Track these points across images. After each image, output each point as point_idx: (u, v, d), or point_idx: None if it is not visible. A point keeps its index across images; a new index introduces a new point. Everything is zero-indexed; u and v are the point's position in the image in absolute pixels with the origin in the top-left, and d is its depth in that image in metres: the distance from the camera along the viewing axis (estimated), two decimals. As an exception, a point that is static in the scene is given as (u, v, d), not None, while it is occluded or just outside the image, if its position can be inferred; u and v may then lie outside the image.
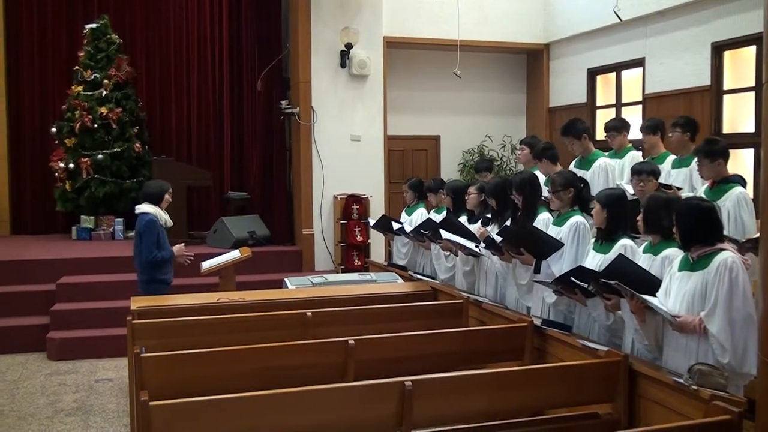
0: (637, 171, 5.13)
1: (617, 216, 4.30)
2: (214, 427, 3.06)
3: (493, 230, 5.44)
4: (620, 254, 4.03)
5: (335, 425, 3.27)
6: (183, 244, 6.29)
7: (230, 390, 3.21)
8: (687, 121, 5.86)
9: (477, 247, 5.50)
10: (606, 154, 6.19)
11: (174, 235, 6.80)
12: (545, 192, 5.43)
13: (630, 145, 6.30)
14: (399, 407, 3.27)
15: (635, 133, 6.66)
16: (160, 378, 3.67)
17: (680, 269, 3.69)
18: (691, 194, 5.03)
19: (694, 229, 3.61)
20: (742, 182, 5.01)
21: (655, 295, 3.69)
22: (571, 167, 6.17)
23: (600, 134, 9.03)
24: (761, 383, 2.79)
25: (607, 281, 3.77)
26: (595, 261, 4.33)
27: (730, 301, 3.45)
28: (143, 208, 6.00)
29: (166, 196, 6.10)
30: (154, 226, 5.89)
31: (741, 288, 3.47)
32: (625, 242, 4.26)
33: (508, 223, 5.32)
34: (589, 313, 4.36)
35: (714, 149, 4.95)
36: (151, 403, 2.98)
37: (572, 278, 4.10)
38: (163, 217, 6.02)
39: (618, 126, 6.28)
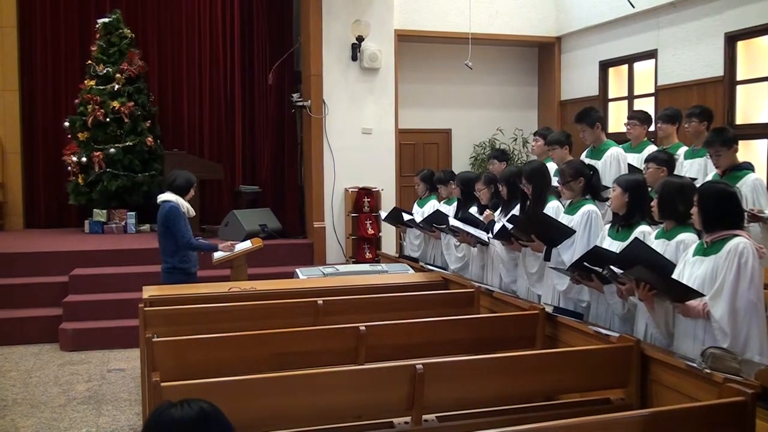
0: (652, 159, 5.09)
1: (638, 201, 4.25)
2: (225, 409, 3.03)
3: (500, 218, 5.42)
4: (636, 238, 3.98)
5: (346, 408, 3.26)
6: (230, 243, 6.36)
7: (241, 375, 3.21)
8: (703, 110, 5.84)
9: (479, 228, 5.50)
10: (620, 146, 6.13)
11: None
12: (555, 182, 5.41)
13: (646, 139, 6.25)
14: (410, 390, 3.26)
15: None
16: (172, 363, 3.67)
17: (694, 254, 3.67)
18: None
19: (719, 212, 3.58)
20: (752, 169, 5.00)
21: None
22: (583, 157, 6.14)
23: (612, 127, 9.01)
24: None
25: (615, 270, 3.74)
26: (612, 249, 4.28)
27: (736, 286, 3.41)
28: (165, 196, 5.97)
29: (191, 191, 6.09)
30: (178, 212, 5.87)
31: (749, 274, 3.43)
32: (643, 228, 4.21)
33: (516, 211, 5.30)
34: (607, 304, 4.32)
35: (728, 137, 4.96)
36: (162, 384, 2.99)
37: (586, 263, 4.07)
38: (185, 205, 5.98)
39: (643, 117, 6.23)
